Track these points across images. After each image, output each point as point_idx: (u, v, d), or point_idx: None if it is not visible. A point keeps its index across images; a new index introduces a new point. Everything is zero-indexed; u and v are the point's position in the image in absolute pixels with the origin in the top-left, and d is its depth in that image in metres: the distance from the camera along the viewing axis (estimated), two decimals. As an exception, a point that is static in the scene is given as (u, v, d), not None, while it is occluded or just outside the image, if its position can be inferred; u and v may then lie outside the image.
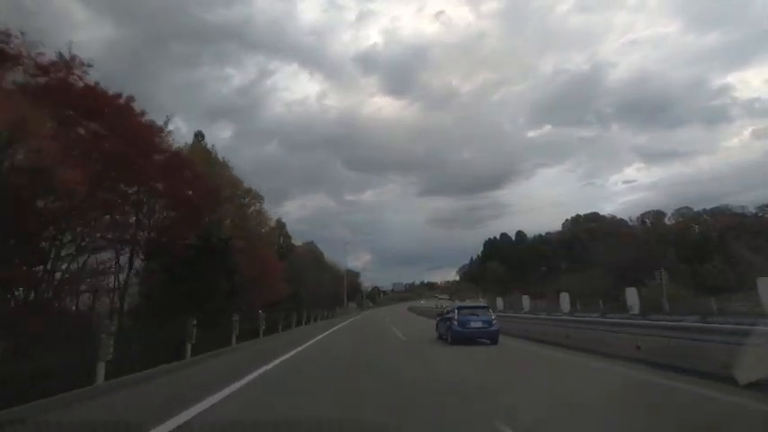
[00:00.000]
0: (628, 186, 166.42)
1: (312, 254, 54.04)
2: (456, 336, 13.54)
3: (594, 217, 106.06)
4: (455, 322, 13.78)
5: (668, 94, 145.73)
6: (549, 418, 4.62)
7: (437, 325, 16.68)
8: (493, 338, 13.56)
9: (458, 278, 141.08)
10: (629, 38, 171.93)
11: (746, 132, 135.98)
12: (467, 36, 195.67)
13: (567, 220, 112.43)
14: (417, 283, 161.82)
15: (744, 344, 6.12)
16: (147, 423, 4.39)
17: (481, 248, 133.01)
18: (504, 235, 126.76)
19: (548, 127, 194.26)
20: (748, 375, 5.59)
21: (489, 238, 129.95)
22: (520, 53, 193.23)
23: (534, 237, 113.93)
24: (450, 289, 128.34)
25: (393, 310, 70.13)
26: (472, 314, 14.14)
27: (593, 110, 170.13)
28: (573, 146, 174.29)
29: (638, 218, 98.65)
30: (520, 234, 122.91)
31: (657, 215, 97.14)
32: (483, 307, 16.12)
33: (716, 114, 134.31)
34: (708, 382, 6.32)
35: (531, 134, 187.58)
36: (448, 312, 15.82)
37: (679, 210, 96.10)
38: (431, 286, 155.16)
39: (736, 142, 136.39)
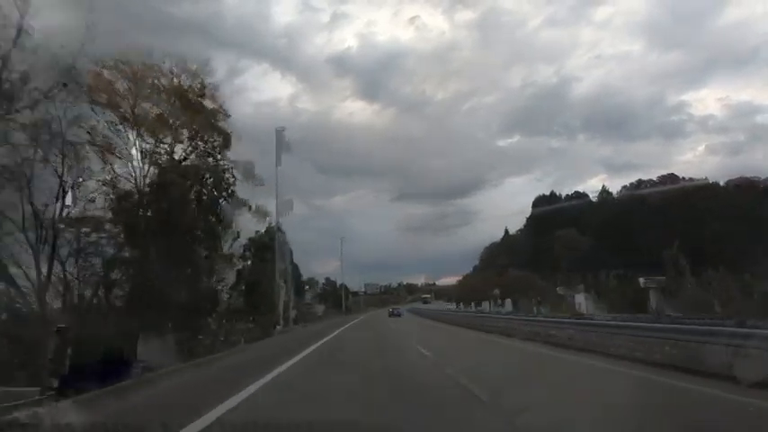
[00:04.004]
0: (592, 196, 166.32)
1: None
2: (390, 314, 54.65)
3: (669, 178, 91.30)
4: (390, 311, 59.84)
5: (630, 109, 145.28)
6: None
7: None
8: (400, 315, 54.01)
9: (477, 262, 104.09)
10: (595, 53, 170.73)
11: (701, 148, 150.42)
12: (440, 44, 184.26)
13: (624, 186, 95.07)
14: (395, 284, 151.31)
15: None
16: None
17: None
18: (550, 196, 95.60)
19: (517, 137, 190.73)
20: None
21: (542, 195, 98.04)
22: (491, 63, 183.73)
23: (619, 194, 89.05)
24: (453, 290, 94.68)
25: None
26: (395, 308, 63.00)
27: (560, 121, 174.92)
28: (541, 156, 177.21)
29: (726, 182, 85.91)
30: (579, 194, 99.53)
31: (750, 182, 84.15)
32: (398, 307, 67.06)
33: (673, 130, 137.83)
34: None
35: (501, 143, 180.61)
36: (390, 309, 62.92)
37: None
38: (410, 288, 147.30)
39: (691, 156, 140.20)
